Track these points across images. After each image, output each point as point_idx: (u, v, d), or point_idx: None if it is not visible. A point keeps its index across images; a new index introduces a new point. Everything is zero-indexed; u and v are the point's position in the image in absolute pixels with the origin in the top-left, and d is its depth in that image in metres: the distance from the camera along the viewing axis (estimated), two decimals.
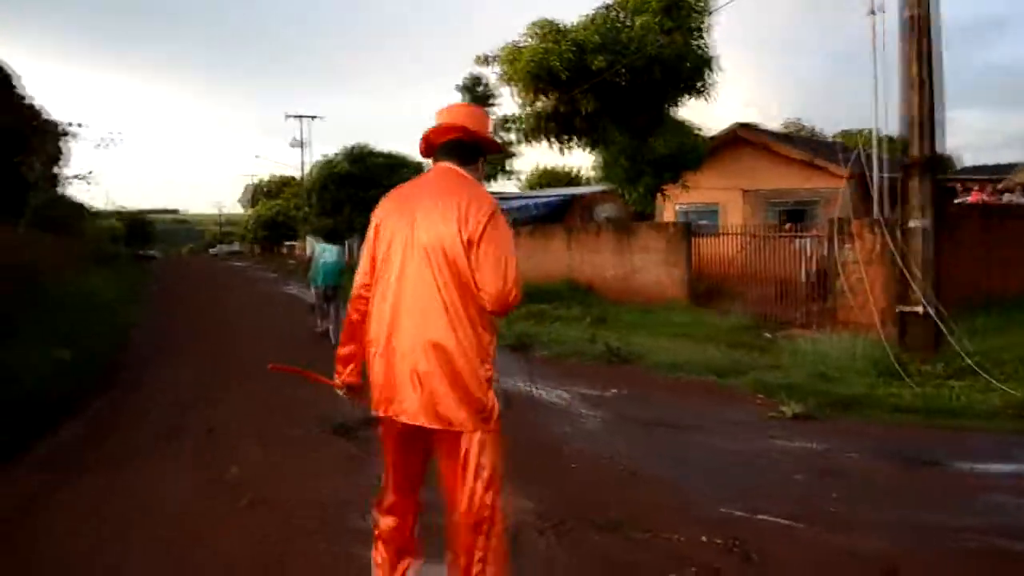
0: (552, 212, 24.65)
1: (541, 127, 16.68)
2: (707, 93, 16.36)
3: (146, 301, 21.11)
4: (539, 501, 4.45)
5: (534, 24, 15.79)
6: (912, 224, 8.85)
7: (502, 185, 38.79)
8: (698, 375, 8.69)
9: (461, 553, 2.73)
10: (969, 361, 7.92)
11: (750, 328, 11.73)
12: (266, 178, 70.45)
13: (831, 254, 11.10)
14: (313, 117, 47.04)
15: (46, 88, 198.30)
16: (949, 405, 7.06)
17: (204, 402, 7.79)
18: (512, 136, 20.48)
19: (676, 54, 15.12)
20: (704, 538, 3.93)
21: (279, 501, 4.66)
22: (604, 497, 4.68)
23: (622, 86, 15.41)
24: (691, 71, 15.77)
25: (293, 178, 54.79)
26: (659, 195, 17.15)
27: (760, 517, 4.28)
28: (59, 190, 28.49)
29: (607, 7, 16.26)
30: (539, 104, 16.44)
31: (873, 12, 10.19)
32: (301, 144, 43.69)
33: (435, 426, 2.68)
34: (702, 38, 15.94)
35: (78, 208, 35.30)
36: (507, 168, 40.16)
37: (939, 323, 8.54)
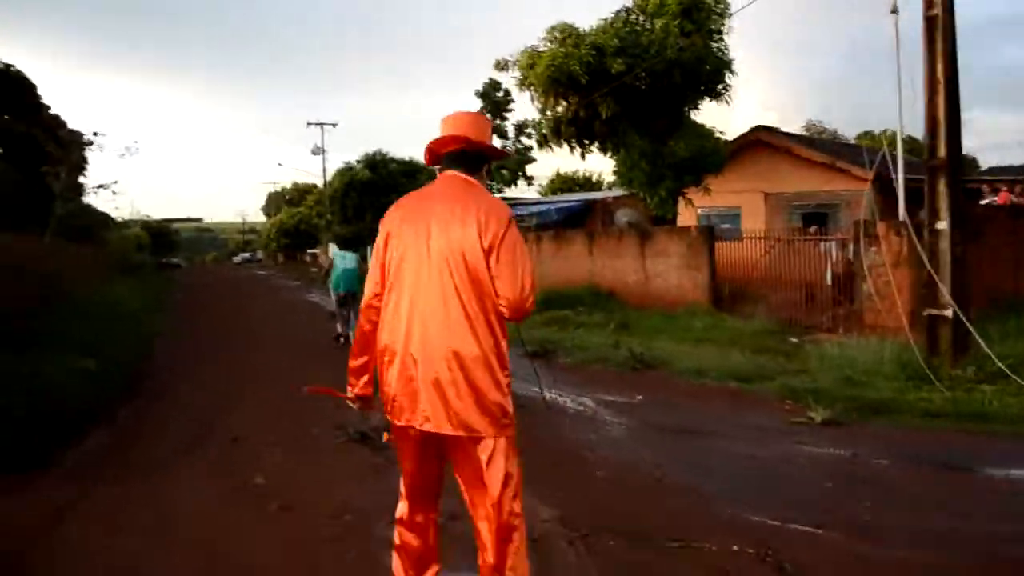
0: (572, 217, 24.56)
1: (560, 131, 16.62)
2: (726, 96, 16.24)
3: (170, 310, 21.31)
4: (566, 509, 4.42)
5: (553, 28, 15.74)
6: (939, 226, 8.70)
7: (521, 190, 38.77)
8: (723, 381, 8.60)
9: (492, 561, 2.71)
10: (1000, 364, 7.76)
11: (774, 333, 11.59)
12: (288, 185, 71.04)
13: (856, 257, 10.96)
14: (334, 124, 47.53)
15: (64, 97, 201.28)
16: (981, 409, 6.93)
17: (228, 411, 7.83)
18: (531, 141, 20.45)
19: (695, 57, 15.01)
20: (736, 547, 3.87)
21: (306, 509, 4.66)
22: (632, 506, 4.64)
23: (641, 90, 15.31)
24: (710, 74, 15.63)
25: (315, 185, 55.10)
26: (680, 199, 17.04)
27: (791, 526, 4.21)
28: (83, 200, 29.00)
29: (626, 10, 16.18)
30: (558, 108, 16.39)
31: (895, 11, 10.08)
32: (323, 151, 43.91)
33: (459, 433, 2.67)
34: (721, 40, 15.83)
35: (102, 217, 35.85)
36: (526, 173, 40.21)
37: (968, 326, 8.39)
